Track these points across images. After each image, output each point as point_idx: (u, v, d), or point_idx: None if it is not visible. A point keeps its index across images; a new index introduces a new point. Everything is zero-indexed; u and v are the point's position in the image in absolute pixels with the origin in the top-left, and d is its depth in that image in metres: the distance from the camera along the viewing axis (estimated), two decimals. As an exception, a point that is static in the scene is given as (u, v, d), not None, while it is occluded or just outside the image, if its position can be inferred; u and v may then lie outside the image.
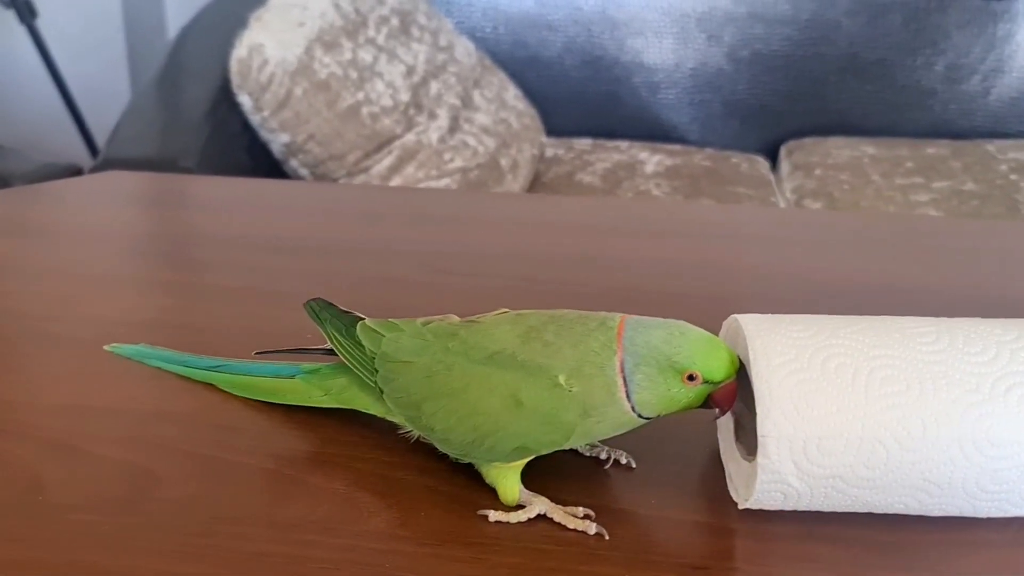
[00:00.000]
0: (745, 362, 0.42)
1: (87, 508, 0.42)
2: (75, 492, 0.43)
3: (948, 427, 0.39)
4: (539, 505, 0.42)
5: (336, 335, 0.47)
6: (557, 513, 0.42)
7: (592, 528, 0.41)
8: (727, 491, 0.44)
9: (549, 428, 0.41)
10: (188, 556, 0.39)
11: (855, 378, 0.40)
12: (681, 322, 0.42)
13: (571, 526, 0.41)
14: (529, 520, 0.41)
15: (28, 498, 0.42)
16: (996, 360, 0.40)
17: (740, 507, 0.42)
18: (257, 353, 0.51)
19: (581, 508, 0.42)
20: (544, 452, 0.42)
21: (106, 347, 0.54)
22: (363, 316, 0.47)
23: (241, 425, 0.48)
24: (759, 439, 0.39)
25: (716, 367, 0.41)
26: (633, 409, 0.41)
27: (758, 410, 0.39)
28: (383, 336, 0.45)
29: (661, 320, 0.42)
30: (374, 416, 0.47)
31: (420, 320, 0.46)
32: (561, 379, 0.41)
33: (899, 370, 0.40)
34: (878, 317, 0.43)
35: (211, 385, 0.51)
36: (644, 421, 0.42)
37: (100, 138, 1.87)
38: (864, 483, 0.40)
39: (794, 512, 0.42)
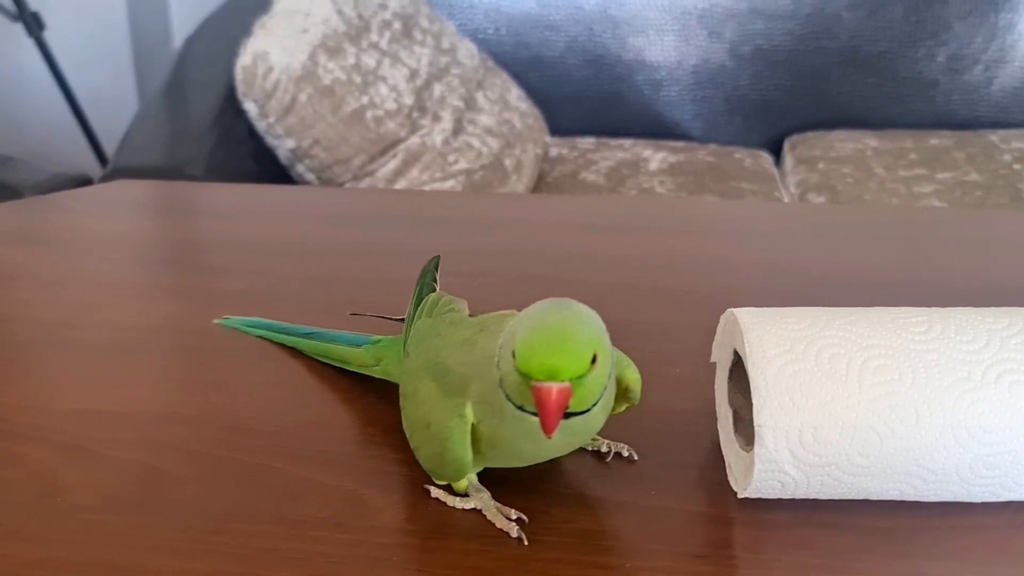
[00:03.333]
0: (741, 354, 0.43)
1: (102, 508, 0.43)
2: (90, 493, 0.44)
3: (941, 414, 0.40)
4: (475, 500, 0.42)
5: (413, 305, 0.50)
6: (490, 511, 0.42)
7: (514, 531, 0.40)
8: (726, 481, 0.45)
9: (441, 461, 0.41)
10: (201, 553, 0.40)
11: (848, 368, 0.40)
12: (583, 308, 0.39)
13: (498, 525, 0.41)
14: (523, 516, 0.42)
15: (46, 499, 0.43)
16: (987, 348, 0.41)
17: (739, 496, 0.43)
18: (352, 313, 0.57)
19: (514, 511, 0.41)
20: (444, 483, 0.43)
21: (216, 320, 0.57)
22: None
23: (250, 426, 0.49)
24: (756, 429, 0.40)
25: (526, 354, 0.36)
26: (507, 396, 0.38)
27: (754, 400, 0.40)
28: (421, 317, 0.47)
29: (573, 304, 0.39)
30: (381, 413, 0.48)
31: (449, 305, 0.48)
32: (467, 409, 0.40)
33: (892, 359, 0.41)
34: (871, 308, 0.44)
35: (219, 388, 0.52)
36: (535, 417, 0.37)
37: (109, 147, 1.89)
38: (859, 470, 0.40)
39: (791, 500, 0.43)
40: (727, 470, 0.46)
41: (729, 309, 0.46)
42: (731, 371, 0.47)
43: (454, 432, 0.40)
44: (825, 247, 0.74)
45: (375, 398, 0.51)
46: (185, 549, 0.40)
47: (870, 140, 1.82)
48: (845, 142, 1.83)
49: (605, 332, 0.39)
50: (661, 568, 0.39)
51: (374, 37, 1.50)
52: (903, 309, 0.44)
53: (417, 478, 0.45)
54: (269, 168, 1.36)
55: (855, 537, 0.41)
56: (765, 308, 0.44)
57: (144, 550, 0.40)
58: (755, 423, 0.40)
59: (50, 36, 1.81)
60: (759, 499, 0.43)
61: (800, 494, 0.42)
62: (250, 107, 1.30)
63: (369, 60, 1.45)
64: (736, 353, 0.45)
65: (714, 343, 0.49)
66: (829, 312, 0.44)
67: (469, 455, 0.40)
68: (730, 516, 0.43)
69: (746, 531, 0.42)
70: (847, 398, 0.40)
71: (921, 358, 0.41)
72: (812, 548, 0.41)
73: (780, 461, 0.40)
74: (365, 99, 1.40)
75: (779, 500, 0.43)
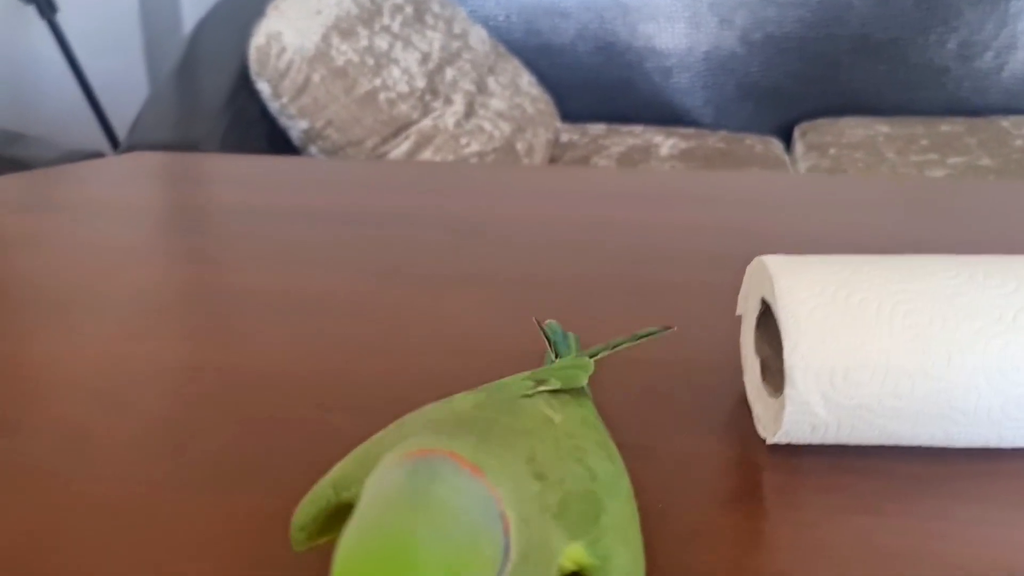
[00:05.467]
0: (770, 300, 0.43)
1: (134, 453, 0.43)
2: (121, 439, 0.44)
3: (972, 356, 0.40)
4: None
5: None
6: None
7: None
8: (755, 431, 0.45)
9: None
10: (238, 491, 0.40)
11: (879, 310, 0.41)
12: (452, 502, 0.24)
13: None
14: None
15: (77, 444, 0.44)
16: (1017, 292, 0.41)
17: (768, 442, 0.43)
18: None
19: None
20: None
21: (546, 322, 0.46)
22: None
23: (277, 378, 0.49)
24: (786, 370, 0.40)
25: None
26: None
27: (785, 343, 0.40)
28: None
29: (438, 486, 0.24)
30: (407, 365, 0.48)
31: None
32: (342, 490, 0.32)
33: (922, 302, 0.41)
34: (899, 256, 0.44)
35: (245, 341, 0.53)
36: None
37: (119, 131, 1.89)
38: (890, 413, 0.41)
39: (821, 447, 0.43)
40: (754, 420, 0.46)
41: (757, 257, 0.46)
42: (758, 321, 0.47)
43: (312, 491, 0.31)
44: (835, 216, 0.74)
45: (400, 349, 0.52)
46: (222, 488, 0.40)
47: (881, 126, 1.82)
48: (856, 128, 1.83)
49: (492, 542, 0.24)
50: (693, 509, 0.40)
51: (386, 20, 1.50)
52: (931, 256, 0.44)
53: (446, 424, 0.45)
54: (282, 150, 1.37)
55: (886, 481, 0.41)
56: (794, 256, 0.45)
57: (179, 489, 0.40)
58: (786, 364, 0.40)
59: (62, 18, 1.81)
60: (788, 446, 0.43)
61: (830, 438, 0.42)
62: (263, 87, 1.30)
63: (381, 43, 1.46)
64: (764, 302, 0.46)
65: (740, 295, 0.49)
66: (858, 259, 0.44)
67: (301, 521, 0.31)
68: (760, 462, 0.43)
69: (776, 475, 0.42)
70: (878, 340, 0.40)
71: (951, 301, 0.41)
72: (843, 491, 0.41)
73: (811, 403, 0.40)
74: (378, 81, 1.40)
75: (808, 447, 0.43)
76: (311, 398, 0.48)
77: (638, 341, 0.44)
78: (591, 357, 0.40)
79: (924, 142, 1.75)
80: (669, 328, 0.46)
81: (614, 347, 0.43)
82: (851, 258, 0.44)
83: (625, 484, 0.32)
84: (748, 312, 0.48)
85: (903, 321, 0.40)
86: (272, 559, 0.36)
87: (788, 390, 0.40)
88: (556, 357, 0.44)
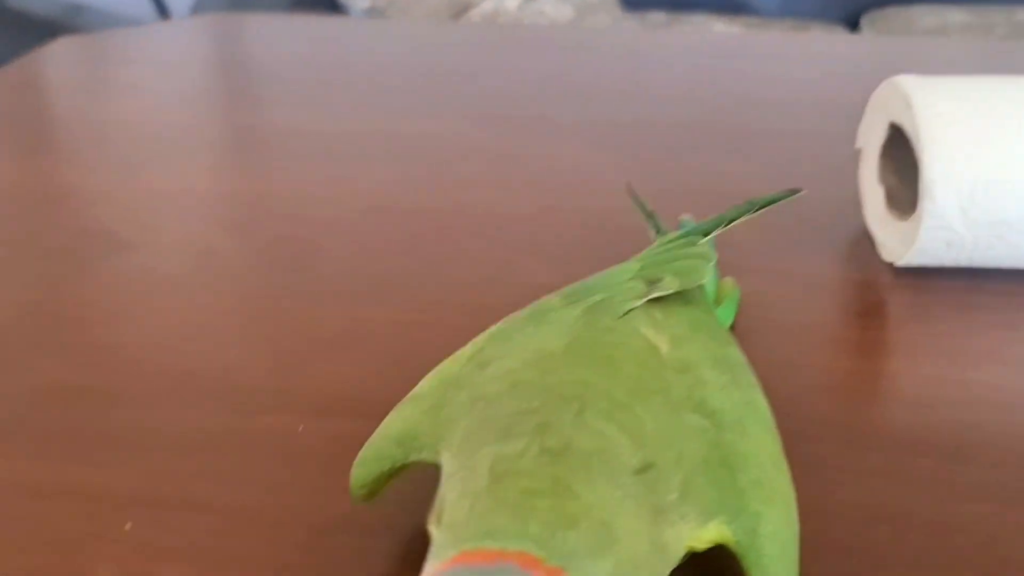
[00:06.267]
0: (903, 120, 0.42)
1: (259, 269, 0.43)
2: (245, 256, 0.44)
3: (1120, 171, 0.39)
4: None
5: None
6: None
7: None
8: (878, 259, 0.44)
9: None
10: (369, 303, 0.41)
11: (1022, 124, 0.39)
12: None
13: None
14: None
15: (201, 260, 0.44)
16: None
17: (898, 264, 0.42)
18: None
19: None
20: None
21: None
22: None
23: (391, 210, 0.49)
24: (924, 184, 0.39)
25: None
26: None
27: (924, 157, 0.39)
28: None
29: None
30: (514, 189, 0.47)
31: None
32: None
33: (1069, 116, 0.39)
34: (1041, 74, 0.42)
35: (354, 176, 0.52)
36: None
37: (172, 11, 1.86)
38: (1030, 229, 0.40)
39: (948, 272, 0.42)
40: (879, 248, 0.45)
41: (886, 80, 0.44)
42: (882, 151, 0.45)
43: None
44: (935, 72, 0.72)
45: (511, 185, 0.51)
46: (350, 300, 0.41)
47: (954, 15, 1.76)
48: (927, 16, 1.76)
49: None
50: (829, 322, 0.39)
51: (446, -103, 1.46)
52: (1075, 75, 0.42)
53: (560, 254, 0.45)
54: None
55: (1020, 302, 0.41)
56: (926, 76, 0.43)
57: (308, 298, 0.41)
58: (924, 178, 0.39)
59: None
60: (916, 270, 0.43)
61: (963, 258, 0.41)
62: (326, -36, 1.28)
63: (442, -80, 1.42)
64: (892, 128, 0.44)
65: (861, 126, 0.47)
66: (995, 78, 0.42)
67: (362, 479, 0.26)
68: (888, 283, 0.42)
69: (906, 294, 0.41)
70: (1021, 155, 0.39)
71: (1101, 115, 0.39)
72: (975, 308, 0.40)
73: (948, 218, 0.40)
74: (440, -40, 1.37)
75: (935, 271, 0.43)
76: (429, 225, 0.47)
77: (757, 212, 0.36)
78: (705, 236, 0.33)
79: (1000, 31, 1.68)
80: (796, 192, 0.37)
81: (730, 222, 0.34)
82: (989, 78, 0.42)
83: (758, 409, 0.26)
84: (871, 143, 0.47)
85: (1048, 135, 0.39)
86: (408, 359, 0.37)
87: (926, 204, 0.39)
88: (658, 234, 0.39)
